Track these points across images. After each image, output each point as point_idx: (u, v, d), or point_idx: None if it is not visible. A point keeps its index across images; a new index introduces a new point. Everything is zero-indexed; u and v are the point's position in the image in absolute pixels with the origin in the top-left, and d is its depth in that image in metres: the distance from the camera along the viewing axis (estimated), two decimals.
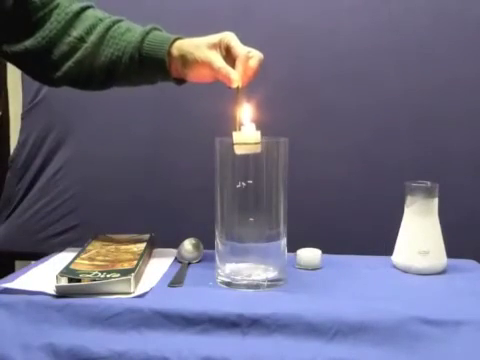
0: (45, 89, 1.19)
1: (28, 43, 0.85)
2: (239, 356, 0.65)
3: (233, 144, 0.76)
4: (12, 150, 1.25)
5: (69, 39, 0.85)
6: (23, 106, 1.23)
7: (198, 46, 0.82)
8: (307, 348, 0.66)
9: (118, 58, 0.85)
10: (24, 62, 0.89)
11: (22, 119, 1.23)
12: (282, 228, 0.81)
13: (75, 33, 0.85)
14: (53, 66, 0.87)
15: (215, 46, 0.82)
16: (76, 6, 0.87)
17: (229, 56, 0.82)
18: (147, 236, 1.01)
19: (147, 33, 0.85)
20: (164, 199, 1.16)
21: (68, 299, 0.72)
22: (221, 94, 1.12)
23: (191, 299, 0.73)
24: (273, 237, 0.80)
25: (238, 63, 0.80)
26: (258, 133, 0.77)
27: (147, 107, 1.18)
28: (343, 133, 1.14)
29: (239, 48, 0.81)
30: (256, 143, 0.77)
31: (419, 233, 0.88)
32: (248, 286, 0.79)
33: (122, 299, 0.73)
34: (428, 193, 0.88)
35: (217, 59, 0.81)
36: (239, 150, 0.76)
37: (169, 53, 0.83)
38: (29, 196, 1.22)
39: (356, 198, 1.13)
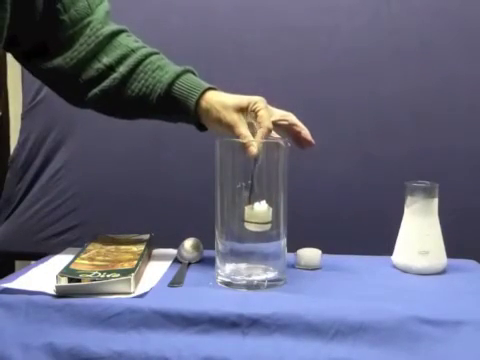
0: (45, 89, 1.19)
1: (56, 62, 0.84)
2: (239, 356, 0.65)
3: (244, 221, 0.77)
4: (12, 150, 1.25)
5: (98, 65, 0.84)
6: (23, 106, 1.23)
7: (226, 107, 0.80)
8: (307, 348, 0.66)
9: (145, 95, 0.84)
10: (52, 80, 0.88)
11: (22, 119, 1.23)
12: (282, 228, 0.81)
13: (105, 60, 0.84)
14: (79, 89, 0.85)
15: (242, 110, 0.80)
16: (108, 29, 0.85)
17: (254, 121, 0.81)
18: (147, 236, 1.01)
19: (178, 75, 0.83)
20: (164, 199, 1.16)
21: (68, 299, 0.72)
22: None
23: (191, 299, 0.73)
24: (273, 237, 0.80)
25: (259, 135, 0.78)
26: (269, 211, 0.77)
27: None
28: (343, 133, 1.14)
29: (264, 117, 0.79)
30: (266, 223, 0.77)
31: (419, 233, 0.88)
32: (248, 286, 0.79)
33: (122, 299, 0.73)
34: (428, 193, 0.88)
35: (241, 124, 0.79)
36: (249, 227, 0.77)
37: (197, 103, 0.82)
38: (29, 196, 1.22)
39: (356, 198, 1.13)
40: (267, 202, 0.78)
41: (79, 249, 0.93)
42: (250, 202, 0.77)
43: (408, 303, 0.72)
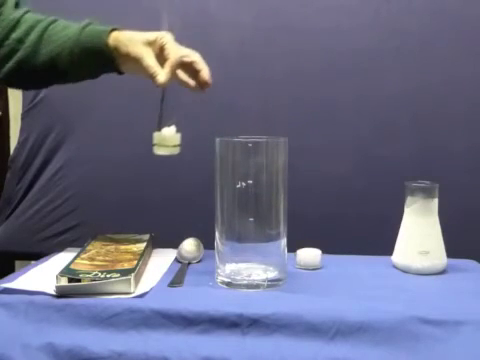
0: (45, 89, 1.19)
1: None
2: (239, 356, 0.65)
3: (153, 145, 0.80)
4: (12, 150, 1.25)
5: (9, 42, 0.87)
6: (23, 106, 1.23)
7: (133, 40, 0.83)
8: (307, 348, 0.66)
9: (58, 55, 0.86)
10: None
11: (22, 119, 1.23)
12: (282, 228, 0.81)
13: (14, 35, 0.87)
14: None
15: (150, 43, 0.83)
16: (18, 13, 0.88)
17: (162, 56, 0.83)
18: (147, 236, 1.01)
19: (84, 27, 0.86)
20: (164, 199, 1.16)
21: (68, 299, 0.72)
22: (221, 94, 1.13)
23: (191, 299, 0.73)
24: (273, 237, 0.80)
25: (167, 65, 0.82)
26: (178, 136, 0.81)
27: (147, 107, 1.17)
28: (343, 133, 1.14)
29: (172, 50, 0.82)
30: (175, 146, 0.80)
31: (419, 233, 0.88)
32: (248, 286, 0.79)
33: (122, 299, 0.73)
34: (428, 193, 0.88)
35: (148, 56, 0.82)
36: (158, 151, 0.80)
37: (106, 44, 0.84)
38: (29, 196, 1.22)
39: (356, 198, 1.13)
40: (267, 202, 0.78)
41: (79, 249, 0.93)
42: (159, 129, 0.80)
43: (408, 303, 0.72)
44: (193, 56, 0.86)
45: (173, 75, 0.83)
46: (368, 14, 1.14)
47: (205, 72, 0.86)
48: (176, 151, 0.81)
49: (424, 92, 1.13)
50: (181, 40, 1.13)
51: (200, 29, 1.16)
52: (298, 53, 1.14)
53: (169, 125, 0.81)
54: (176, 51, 0.83)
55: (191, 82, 0.87)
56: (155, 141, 0.80)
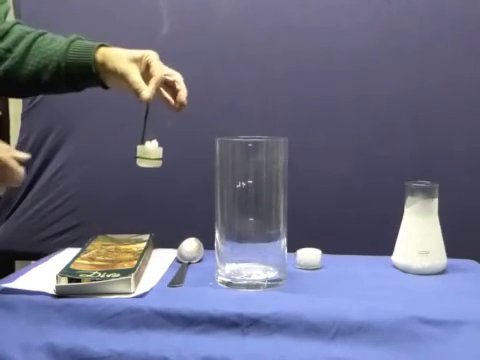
0: None
1: None
2: (239, 356, 0.65)
3: (135, 157, 0.83)
4: None
5: None
6: (23, 106, 1.23)
7: (120, 56, 0.85)
8: (307, 348, 0.66)
9: (44, 66, 0.87)
10: None
11: (22, 119, 1.23)
12: (282, 228, 0.81)
13: (3, 45, 0.88)
14: None
15: (136, 60, 0.84)
16: (7, 24, 0.89)
17: (147, 73, 0.84)
18: (147, 236, 1.01)
19: (72, 41, 0.87)
20: (164, 199, 1.16)
21: (68, 299, 0.72)
22: (221, 94, 1.13)
23: (191, 299, 0.73)
24: (273, 237, 0.80)
25: (152, 82, 0.83)
26: (160, 149, 0.84)
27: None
28: (343, 133, 1.14)
29: (157, 68, 0.84)
30: (157, 159, 0.83)
31: (419, 233, 0.88)
32: (248, 286, 0.79)
33: (122, 299, 0.73)
34: (428, 193, 0.88)
35: (134, 73, 0.83)
36: (141, 163, 0.83)
37: (94, 59, 0.85)
38: (29, 196, 1.22)
39: (356, 198, 1.13)
40: (267, 202, 0.78)
41: (79, 249, 0.93)
42: (143, 142, 0.83)
43: (408, 303, 0.72)
44: (175, 76, 0.88)
45: (157, 92, 0.84)
46: (368, 14, 1.14)
47: (183, 93, 0.87)
48: (158, 164, 0.84)
49: (424, 92, 1.13)
50: (181, 40, 1.14)
51: (200, 29, 1.16)
52: (298, 53, 1.15)
53: (151, 139, 0.84)
54: (161, 69, 0.84)
55: (172, 101, 0.89)
56: (138, 154, 0.83)
